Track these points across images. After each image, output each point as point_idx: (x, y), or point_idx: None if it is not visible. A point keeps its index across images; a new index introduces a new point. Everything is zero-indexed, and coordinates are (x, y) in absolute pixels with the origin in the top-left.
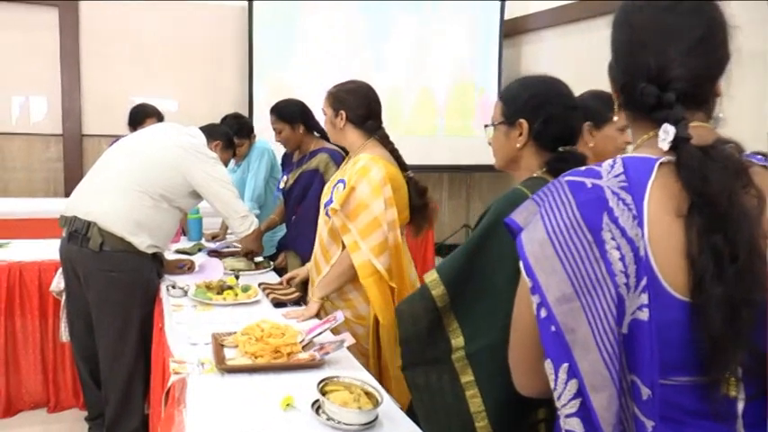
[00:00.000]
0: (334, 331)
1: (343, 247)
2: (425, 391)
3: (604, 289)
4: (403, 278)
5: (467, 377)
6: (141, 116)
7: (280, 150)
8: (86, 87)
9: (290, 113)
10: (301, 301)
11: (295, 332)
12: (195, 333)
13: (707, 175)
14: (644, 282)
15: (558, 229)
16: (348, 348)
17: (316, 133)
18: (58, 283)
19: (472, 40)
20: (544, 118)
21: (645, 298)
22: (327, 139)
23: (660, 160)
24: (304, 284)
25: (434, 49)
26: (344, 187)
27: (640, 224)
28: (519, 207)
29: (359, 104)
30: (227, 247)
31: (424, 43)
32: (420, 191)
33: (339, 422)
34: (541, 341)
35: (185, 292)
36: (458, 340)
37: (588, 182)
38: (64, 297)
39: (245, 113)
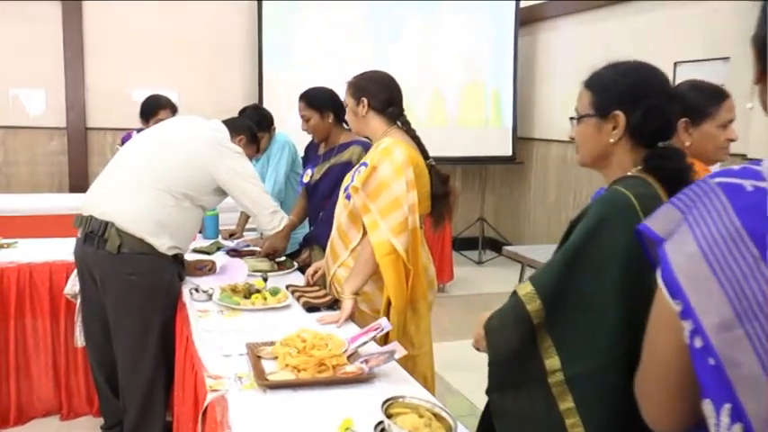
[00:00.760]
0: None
1: (364, 232)
2: (515, 417)
3: None
4: (417, 264)
5: (566, 404)
6: (154, 108)
7: (300, 144)
8: (90, 81)
9: (321, 101)
10: (335, 304)
11: (340, 342)
12: (226, 342)
13: None
14: None
15: (714, 241)
16: None
17: (345, 126)
18: (72, 285)
19: (484, 35)
20: (644, 110)
21: None
22: None
23: None
24: (323, 277)
25: (444, 48)
26: (366, 168)
27: None
28: (654, 213)
29: (380, 90)
30: (247, 246)
31: (433, 42)
32: (443, 178)
33: None
34: (697, 377)
35: (210, 296)
36: (551, 361)
37: (748, 184)
38: (79, 300)
39: None
